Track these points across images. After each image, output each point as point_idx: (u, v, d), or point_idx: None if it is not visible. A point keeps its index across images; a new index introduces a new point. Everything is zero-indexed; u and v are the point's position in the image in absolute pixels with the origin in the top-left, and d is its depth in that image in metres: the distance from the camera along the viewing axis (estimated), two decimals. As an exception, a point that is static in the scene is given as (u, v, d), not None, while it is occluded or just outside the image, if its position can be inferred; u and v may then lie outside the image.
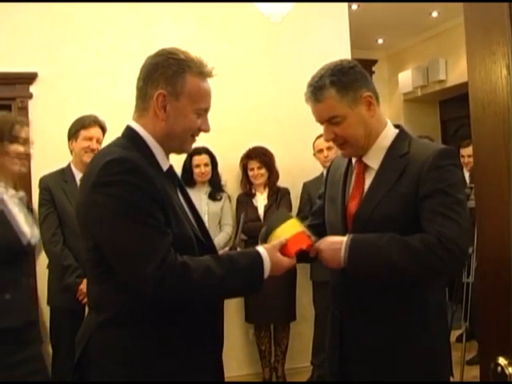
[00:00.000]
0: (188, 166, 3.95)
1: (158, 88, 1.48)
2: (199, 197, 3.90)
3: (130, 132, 1.53)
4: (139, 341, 1.42)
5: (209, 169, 3.97)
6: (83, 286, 2.88)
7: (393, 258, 1.53)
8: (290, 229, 1.63)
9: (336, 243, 1.60)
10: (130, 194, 1.36)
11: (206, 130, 1.57)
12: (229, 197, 4.10)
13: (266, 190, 4.05)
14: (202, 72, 1.52)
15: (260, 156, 3.99)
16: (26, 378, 2.06)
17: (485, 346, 1.16)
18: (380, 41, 6.98)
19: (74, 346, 1.50)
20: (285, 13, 3.77)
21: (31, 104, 3.86)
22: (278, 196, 4.01)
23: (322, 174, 3.79)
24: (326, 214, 1.84)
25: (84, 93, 3.90)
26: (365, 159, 1.72)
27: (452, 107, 6.96)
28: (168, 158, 1.58)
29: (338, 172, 1.84)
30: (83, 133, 3.09)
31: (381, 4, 5.50)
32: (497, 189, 1.06)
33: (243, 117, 4.22)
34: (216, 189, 4.02)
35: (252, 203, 4.03)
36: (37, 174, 3.25)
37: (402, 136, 1.71)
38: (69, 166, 3.20)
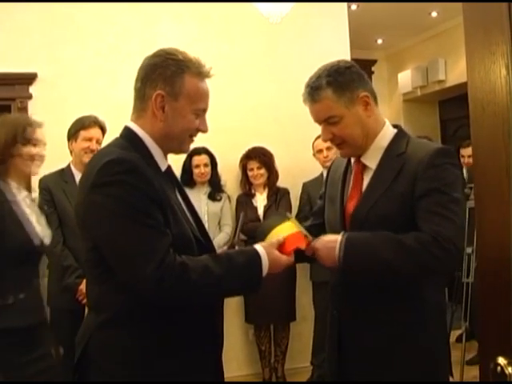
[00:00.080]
0: (188, 167, 3.94)
1: (157, 88, 1.48)
2: (199, 197, 3.89)
3: (128, 133, 1.53)
4: (139, 341, 1.42)
5: (208, 169, 3.97)
6: (83, 287, 2.88)
7: (387, 257, 1.53)
8: (287, 229, 1.64)
9: (331, 242, 1.61)
10: (129, 194, 1.36)
11: (204, 131, 1.57)
12: (228, 197, 4.09)
13: (266, 190, 4.05)
14: (200, 72, 1.52)
15: (260, 156, 3.99)
16: (41, 375, 2.10)
17: (484, 346, 1.17)
18: (379, 41, 6.97)
19: (73, 346, 1.50)
20: (284, 13, 3.77)
21: (31, 104, 3.85)
22: (278, 196, 4.01)
23: (322, 174, 3.79)
24: (325, 215, 1.85)
25: (84, 93, 3.89)
26: (363, 159, 1.72)
27: (451, 107, 6.95)
28: (166, 158, 1.58)
29: (337, 172, 1.84)
30: (83, 133, 3.09)
31: (380, 4, 5.49)
32: (496, 189, 1.06)
33: (243, 117, 4.22)
34: (216, 189, 4.02)
35: (252, 203, 4.03)
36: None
37: (400, 136, 1.71)
38: (68, 166, 3.20)
